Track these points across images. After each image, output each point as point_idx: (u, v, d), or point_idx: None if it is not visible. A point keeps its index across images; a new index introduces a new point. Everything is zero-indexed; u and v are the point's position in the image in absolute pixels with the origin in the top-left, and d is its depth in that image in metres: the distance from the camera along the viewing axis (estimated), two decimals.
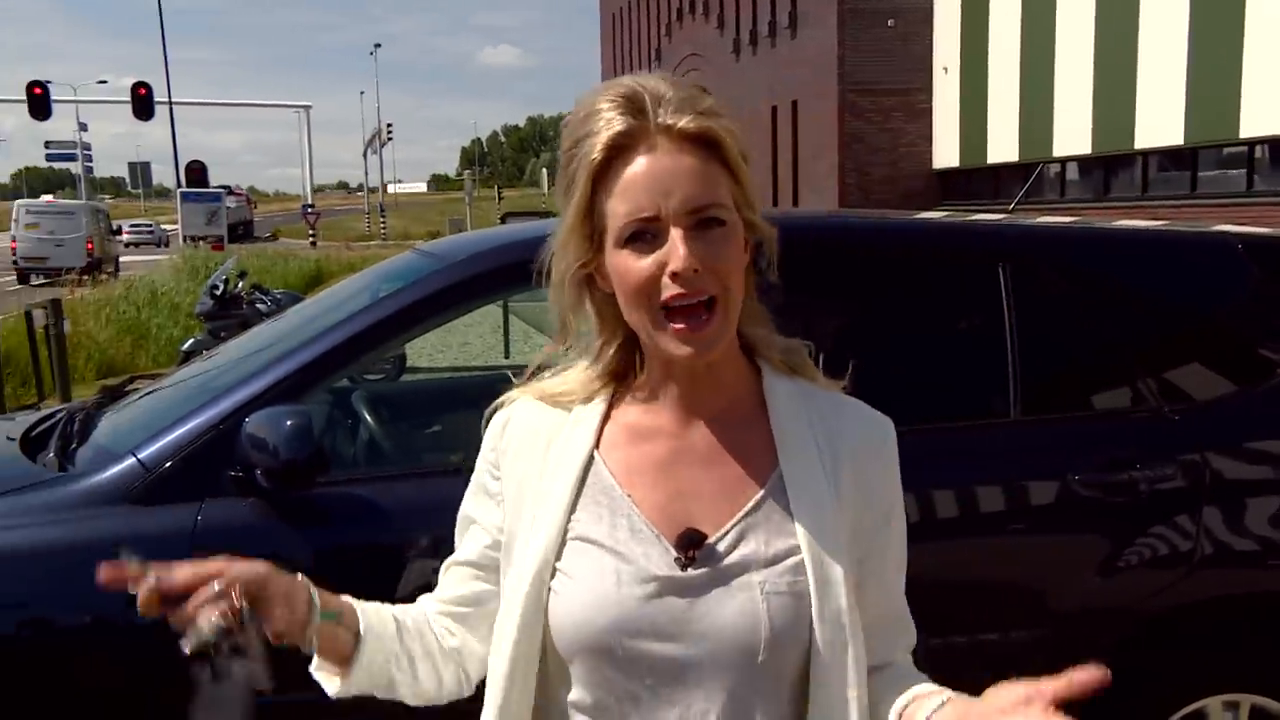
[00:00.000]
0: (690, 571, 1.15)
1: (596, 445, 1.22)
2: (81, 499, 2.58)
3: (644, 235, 1.13)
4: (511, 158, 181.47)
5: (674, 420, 1.22)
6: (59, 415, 3.18)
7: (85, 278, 23.38)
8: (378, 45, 74.55)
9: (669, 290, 1.12)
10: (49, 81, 27.08)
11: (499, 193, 66.68)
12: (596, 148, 1.13)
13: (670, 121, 1.12)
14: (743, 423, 1.22)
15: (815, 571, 1.15)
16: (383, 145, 61.82)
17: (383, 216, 59.42)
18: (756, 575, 1.15)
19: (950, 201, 23.15)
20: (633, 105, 1.13)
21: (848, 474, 1.20)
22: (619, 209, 1.13)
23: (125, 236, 53.47)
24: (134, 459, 2.61)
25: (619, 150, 1.13)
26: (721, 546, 1.16)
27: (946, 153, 24.35)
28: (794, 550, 1.16)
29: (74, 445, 2.88)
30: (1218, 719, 2.89)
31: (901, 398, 2.77)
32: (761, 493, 1.18)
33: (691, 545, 1.15)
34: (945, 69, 24.15)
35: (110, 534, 2.55)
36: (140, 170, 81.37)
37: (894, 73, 24.32)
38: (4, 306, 10.99)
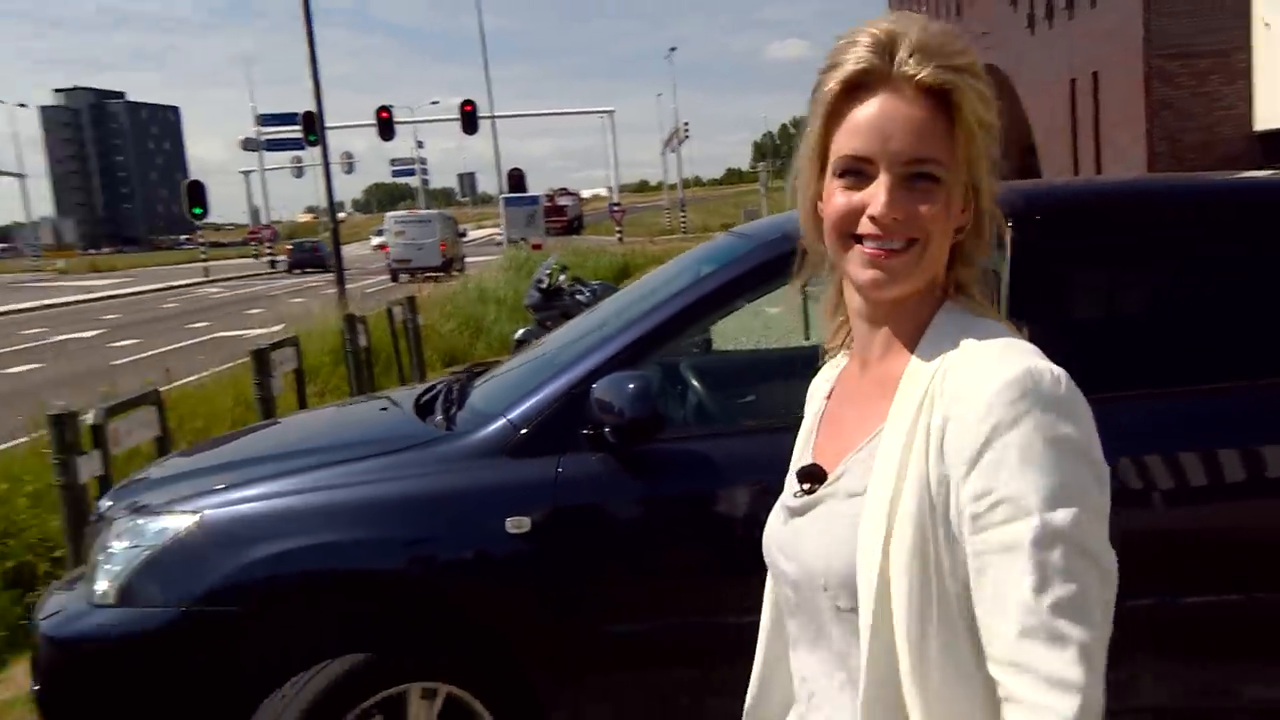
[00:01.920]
0: (798, 500, 1.22)
1: (830, 395, 1.30)
2: (466, 453, 3.01)
3: (857, 172, 1.13)
4: None
5: (859, 359, 1.24)
6: (439, 387, 3.67)
7: (440, 276, 25.65)
8: (673, 49, 76.01)
9: (865, 228, 1.12)
10: (392, 106, 29.72)
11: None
12: (834, 81, 1.13)
13: (911, 71, 1.10)
14: (899, 363, 1.17)
15: (868, 515, 1.11)
16: (680, 144, 63.14)
17: (683, 211, 60.74)
18: (841, 506, 1.15)
19: (1275, 164, 21.14)
20: (882, 47, 1.11)
21: (936, 429, 1.08)
22: (841, 143, 1.13)
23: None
24: (505, 419, 3.01)
25: (856, 88, 1.12)
26: (830, 480, 1.19)
27: (1269, 113, 22.24)
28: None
29: (454, 410, 3.33)
30: None
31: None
32: (874, 433, 1.15)
33: (810, 478, 1.21)
34: (1267, 23, 22.06)
35: (491, 482, 2.97)
36: (467, 180, 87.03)
37: (1208, 32, 22.46)
38: (373, 304, 12.29)
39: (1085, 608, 1.00)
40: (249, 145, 47.91)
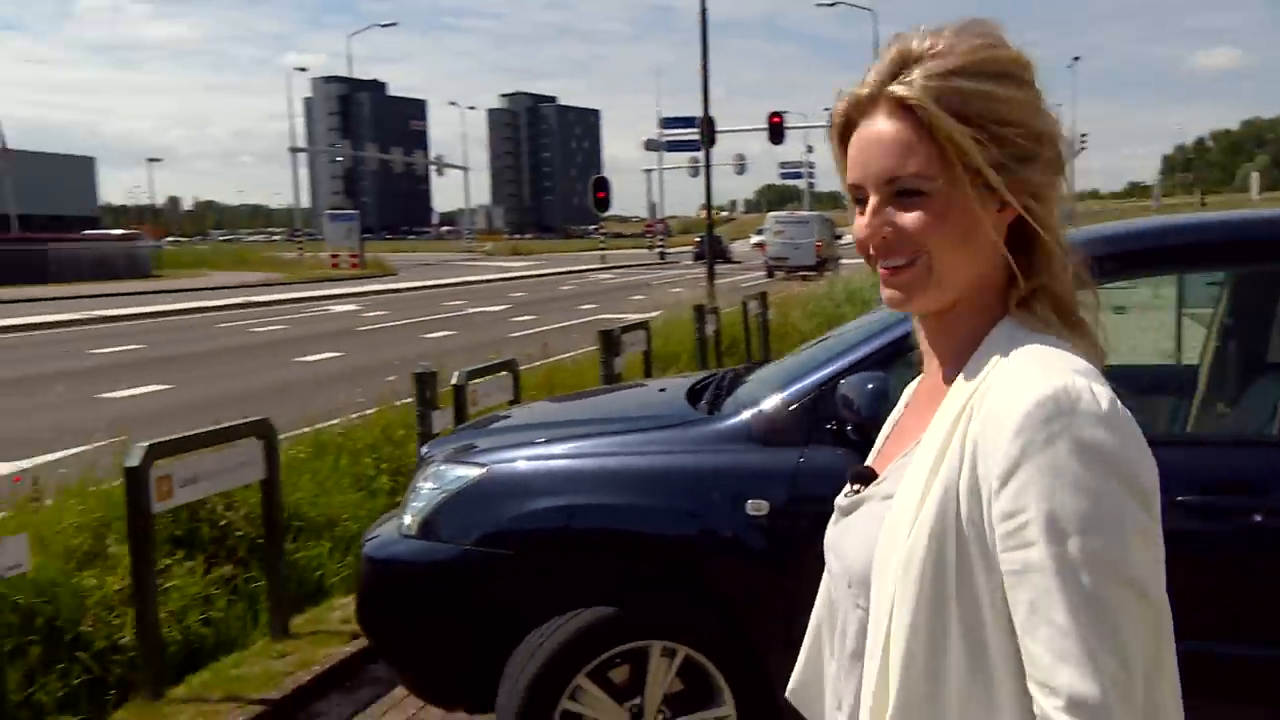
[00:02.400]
0: (847, 500, 1.21)
1: (908, 404, 1.28)
2: (719, 436, 3.14)
3: (860, 200, 1.10)
4: (1219, 162, 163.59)
5: (927, 371, 1.21)
6: (717, 375, 3.82)
7: (812, 275, 26.06)
8: (1076, 58, 71.55)
9: (873, 251, 1.10)
10: (785, 111, 30.22)
11: (1202, 198, 60.48)
12: (835, 113, 1.11)
13: (892, 88, 1.06)
14: (950, 376, 1.13)
15: (890, 519, 1.09)
16: (1074, 155, 59.22)
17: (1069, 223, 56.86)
18: (877, 509, 1.13)
19: None
20: (882, 68, 1.08)
21: (970, 442, 1.03)
22: (846, 175, 1.12)
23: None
24: (758, 408, 3.11)
25: (853, 117, 1.10)
26: (875, 483, 1.17)
27: None
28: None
29: (723, 397, 3.46)
30: None
31: None
32: (916, 442, 1.11)
33: (859, 479, 1.20)
34: None
35: (739, 465, 3.07)
36: None
37: None
38: (740, 297, 12.73)
39: (1119, 635, 0.94)
40: (651, 146, 50.48)
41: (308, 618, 4.98)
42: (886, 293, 1.11)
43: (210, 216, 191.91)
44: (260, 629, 4.87)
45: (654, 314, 13.73)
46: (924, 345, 1.19)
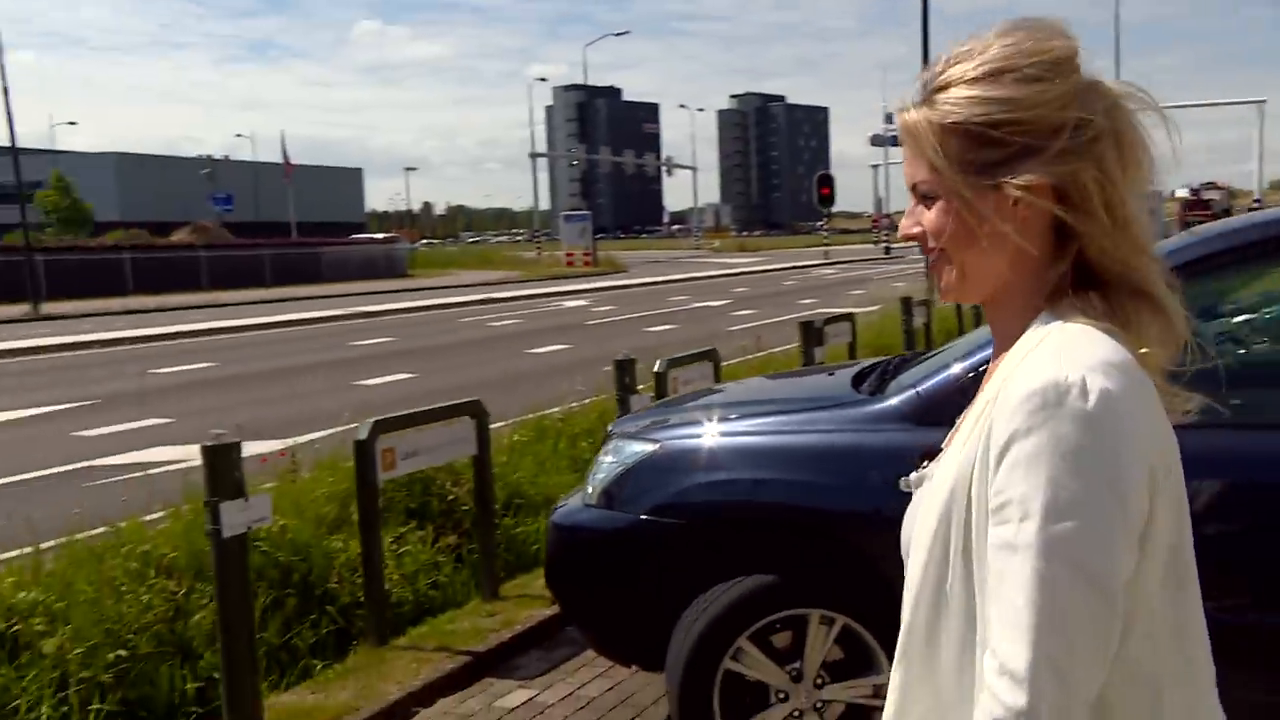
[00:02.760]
0: (915, 476, 1.26)
1: None
2: (876, 416, 3.21)
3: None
4: None
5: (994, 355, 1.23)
6: (884, 361, 3.86)
7: None
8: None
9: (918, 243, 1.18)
10: None
11: None
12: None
13: (899, 113, 1.17)
14: (996, 364, 1.17)
15: (925, 497, 1.16)
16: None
17: None
18: (928, 486, 1.18)
19: None
20: (912, 92, 1.17)
21: (988, 426, 1.06)
22: None
23: None
24: (914, 390, 3.15)
25: None
26: (935, 461, 1.21)
27: None
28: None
29: (887, 380, 3.52)
30: None
31: None
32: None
33: (927, 458, 1.24)
34: None
35: (892, 443, 3.13)
36: None
37: None
38: None
39: (1064, 620, 0.98)
40: (876, 141, 49.55)
41: (517, 583, 5.34)
42: (934, 282, 1.20)
43: (460, 220, 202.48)
44: (476, 592, 5.27)
45: (871, 308, 13.60)
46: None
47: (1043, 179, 1.08)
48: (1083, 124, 1.08)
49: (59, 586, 4.34)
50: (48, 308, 27.78)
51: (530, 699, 4.12)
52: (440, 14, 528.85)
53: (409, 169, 77.66)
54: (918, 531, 1.15)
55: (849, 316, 9.04)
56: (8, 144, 28.71)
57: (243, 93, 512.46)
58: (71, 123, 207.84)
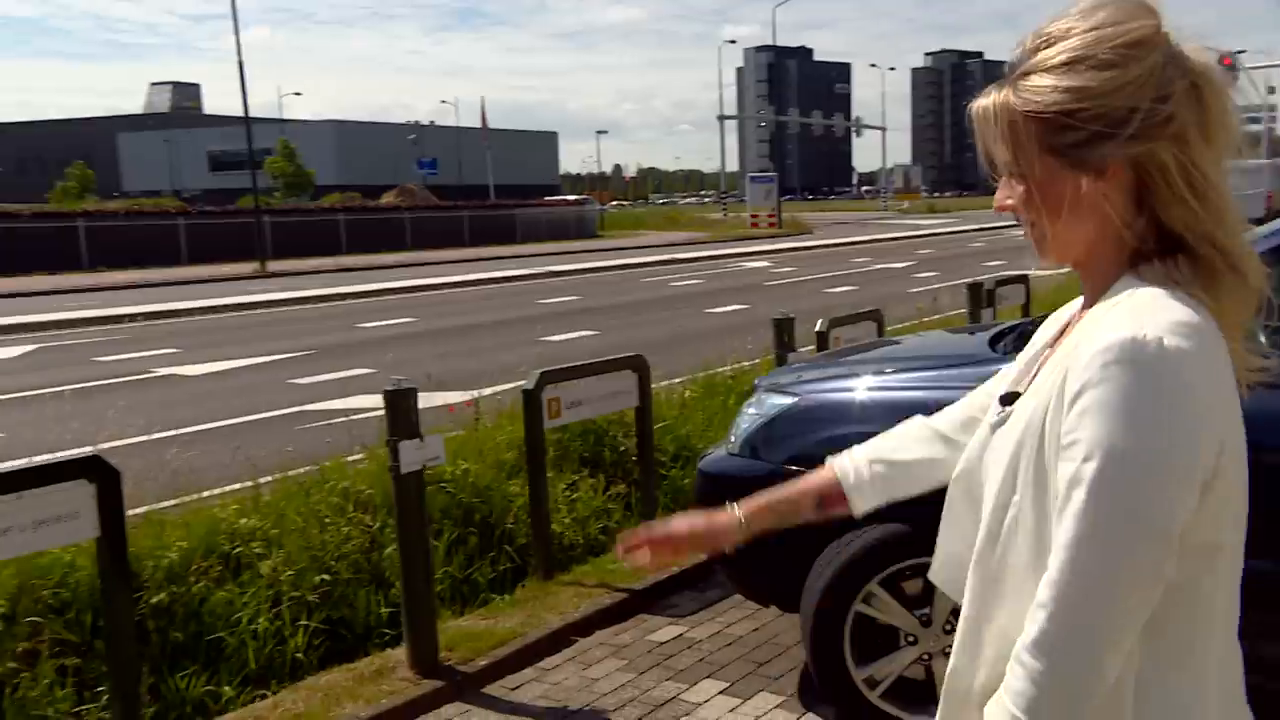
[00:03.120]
0: (996, 417, 1.31)
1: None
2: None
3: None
4: None
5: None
6: (1024, 321, 3.83)
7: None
8: None
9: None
10: (1241, 51, 26.88)
11: None
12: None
13: (978, 102, 1.24)
14: (1080, 317, 1.25)
15: (1002, 433, 1.25)
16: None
17: None
18: (1003, 431, 1.26)
19: None
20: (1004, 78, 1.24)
21: (1064, 374, 1.14)
22: None
23: None
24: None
25: None
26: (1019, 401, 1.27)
27: None
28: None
29: (1024, 340, 3.50)
30: None
31: None
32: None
33: (1005, 402, 1.30)
34: None
35: None
36: None
37: None
38: None
39: (1113, 559, 1.06)
40: None
41: None
42: (1034, 250, 1.28)
43: (650, 182, 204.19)
44: None
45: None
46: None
47: (1117, 160, 1.15)
48: (1160, 102, 1.12)
49: (274, 516, 4.82)
50: (273, 265, 29.90)
51: (680, 634, 4.33)
52: None
53: (600, 132, 79.19)
54: (993, 462, 1.25)
55: (1023, 278, 8.76)
56: (242, 115, 30.90)
57: (449, 60, 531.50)
58: (297, 93, 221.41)
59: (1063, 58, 1.16)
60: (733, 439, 3.81)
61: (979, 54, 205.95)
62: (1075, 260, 1.24)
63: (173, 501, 5.04)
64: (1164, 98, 1.13)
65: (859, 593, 3.30)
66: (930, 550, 3.29)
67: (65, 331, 17.09)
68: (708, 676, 3.92)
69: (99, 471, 3.29)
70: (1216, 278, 1.15)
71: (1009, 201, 1.24)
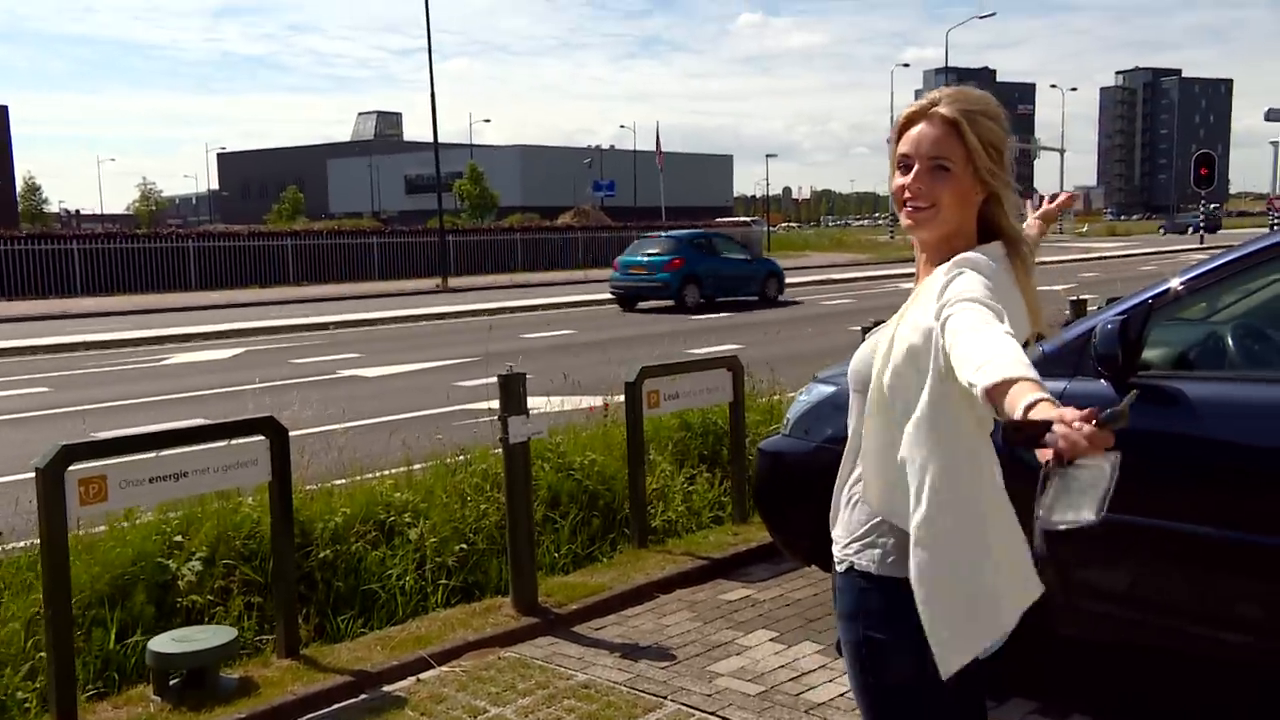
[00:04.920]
0: (870, 336, 1.98)
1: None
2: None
3: (904, 164, 1.88)
4: None
5: (919, 268, 1.95)
6: None
7: None
8: None
9: (907, 196, 1.87)
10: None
11: None
12: (900, 117, 1.92)
13: (939, 110, 1.85)
14: (936, 265, 1.86)
15: (880, 341, 1.89)
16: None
17: None
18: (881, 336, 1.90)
19: None
20: (932, 100, 1.87)
21: (932, 290, 1.77)
22: (900, 149, 1.89)
23: None
24: (1061, 342, 3.54)
25: (910, 122, 1.89)
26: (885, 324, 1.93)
27: None
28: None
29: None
30: None
31: None
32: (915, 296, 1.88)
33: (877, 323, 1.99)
34: None
35: None
36: None
37: None
38: None
39: (984, 317, 1.64)
40: (1270, 116, 44.06)
41: None
42: (907, 223, 1.90)
43: (824, 204, 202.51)
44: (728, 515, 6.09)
45: None
46: (919, 254, 1.95)
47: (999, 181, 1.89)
48: (1011, 159, 1.90)
49: (423, 491, 5.59)
50: (454, 281, 31.82)
51: (747, 595, 4.89)
52: (821, 3, 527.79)
53: (769, 155, 79.80)
54: (892, 344, 1.84)
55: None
56: (431, 141, 33.03)
57: (631, 86, 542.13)
58: (486, 120, 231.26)
59: (989, 112, 1.90)
60: (787, 421, 4.36)
61: (1176, 71, 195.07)
62: (945, 234, 1.87)
63: (341, 480, 5.87)
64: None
65: None
66: None
67: (269, 337, 18.99)
68: (762, 627, 4.47)
69: (273, 429, 4.15)
70: (1011, 252, 1.88)
71: (921, 188, 1.85)
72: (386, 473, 5.98)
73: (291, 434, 4.28)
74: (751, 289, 23.96)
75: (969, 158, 1.83)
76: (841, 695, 3.73)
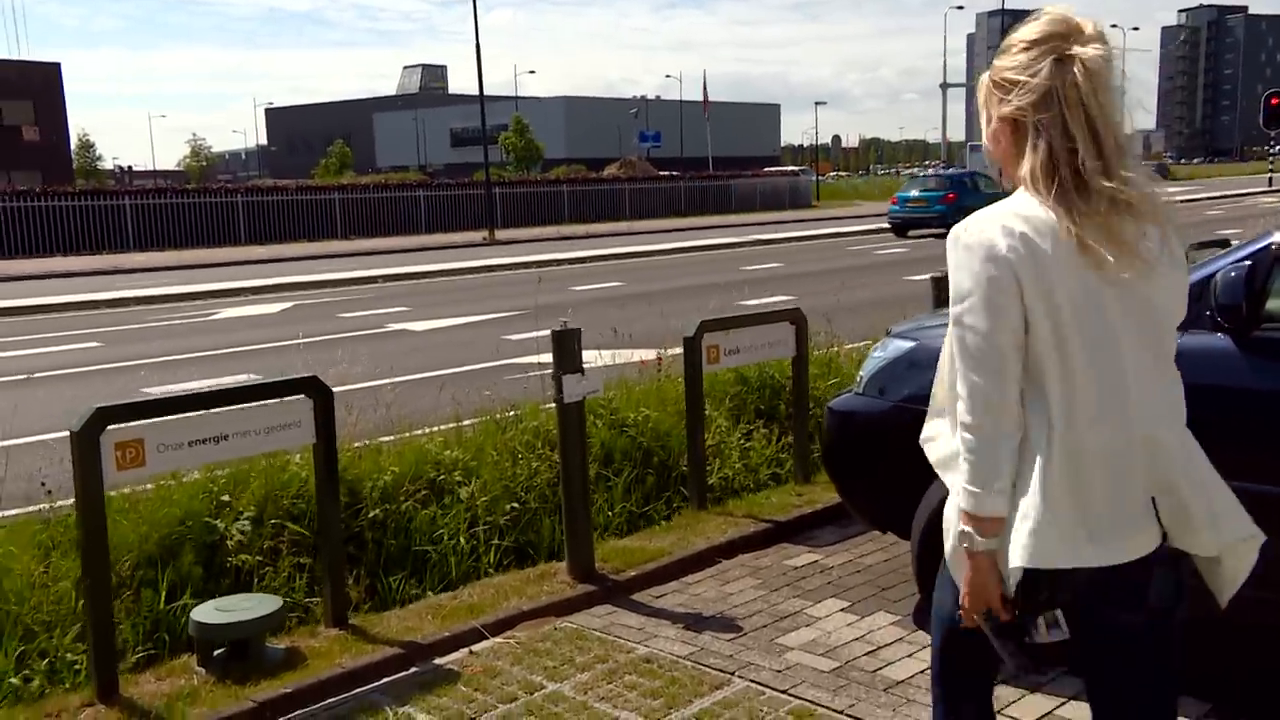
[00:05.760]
0: None
1: None
2: None
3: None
4: None
5: None
6: None
7: None
8: None
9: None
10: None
11: None
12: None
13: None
14: None
15: None
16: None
17: None
18: None
19: None
20: None
21: None
22: None
23: None
24: None
25: None
26: None
27: None
28: None
29: None
30: None
31: None
32: None
33: None
34: None
35: None
36: None
37: None
38: None
39: (967, 351, 1.78)
40: None
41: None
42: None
43: (872, 152, 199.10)
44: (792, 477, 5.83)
45: None
46: None
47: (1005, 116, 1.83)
48: (1031, 76, 1.76)
49: (473, 449, 5.40)
50: (500, 234, 31.61)
51: (814, 561, 4.64)
52: None
53: (819, 103, 77.91)
54: None
55: (1224, 242, 8.33)
56: (475, 94, 32.68)
57: (675, 35, 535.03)
58: (531, 71, 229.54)
59: (1003, 45, 1.85)
60: (860, 378, 4.07)
61: (1242, 8, 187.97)
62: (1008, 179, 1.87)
63: (389, 437, 5.69)
64: (1035, 74, 1.75)
65: None
66: None
67: (317, 291, 18.93)
68: (832, 596, 4.22)
69: (316, 389, 3.95)
70: (1051, 194, 1.75)
71: (986, 147, 1.91)
72: (435, 429, 5.82)
73: (339, 390, 4.09)
74: None
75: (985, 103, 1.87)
76: (921, 672, 3.47)
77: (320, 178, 58.55)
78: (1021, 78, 1.75)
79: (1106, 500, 1.74)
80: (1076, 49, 1.72)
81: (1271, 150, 45.96)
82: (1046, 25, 1.76)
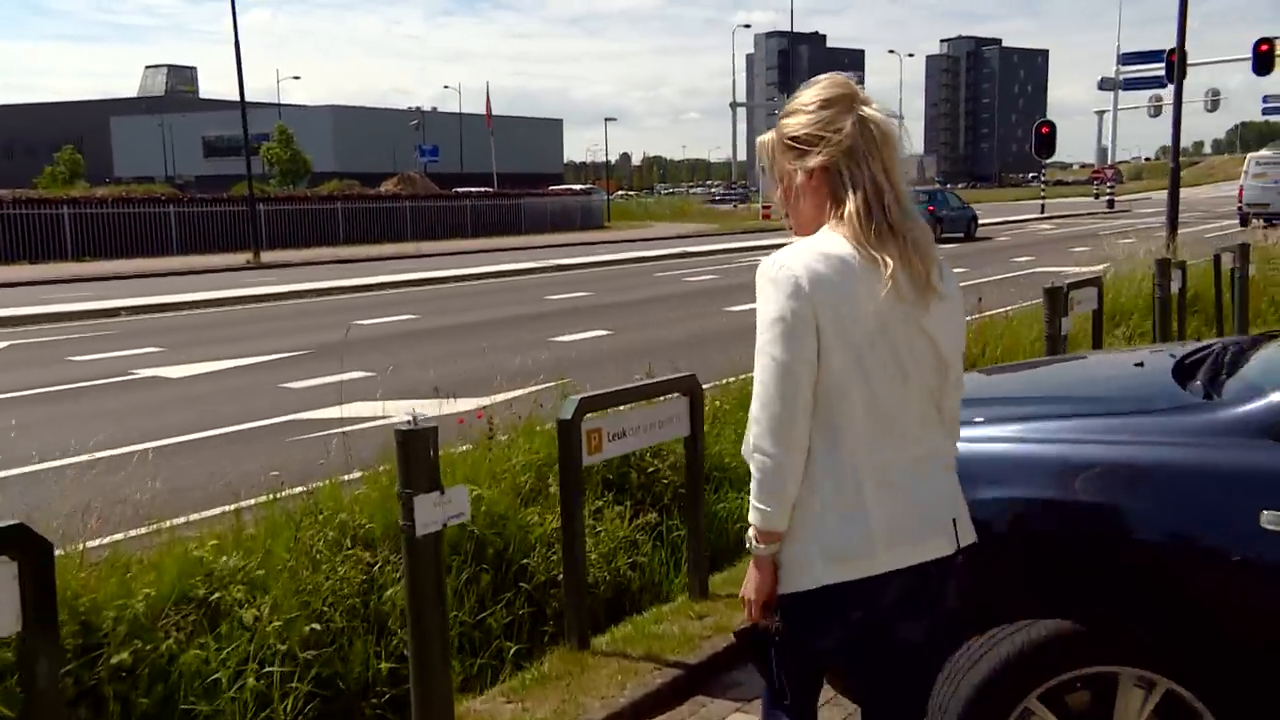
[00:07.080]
0: None
1: None
2: (1223, 427, 2.48)
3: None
4: None
5: None
6: (1213, 349, 3.08)
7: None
8: None
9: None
10: (1277, 38, 25.96)
11: None
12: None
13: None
14: None
15: None
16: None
17: None
18: None
19: None
20: None
21: None
22: None
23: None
24: (1275, 396, 2.41)
25: None
26: None
27: None
28: None
29: (1223, 377, 2.77)
30: None
31: None
32: None
33: None
34: None
35: (1248, 465, 2.40)
36: None
37: None
38: (1208, 250, 11.29)
39: (766, 382, 1.97)
40: (1104, 85, 46.10)
41: (725, 576, 4.84)
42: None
43: (654, 171, 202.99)
44: (680, 579, 4.81)
45: (1099, 267, 12.40)
46: None
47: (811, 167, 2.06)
48: (835, 132, 2.01)
49: (259, 553, 4.14)
50: (267, 256, 29.18)
51: None
52: None
53: (608, 119, 77.28)
54: None
55: (1096, 281, 8.02)
56: (238, 99, 30.18)
57: (450, 45, 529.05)
58: (295, 77, 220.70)
59: (789, 108, 2.09)
60: None
61: (997, 40, 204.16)
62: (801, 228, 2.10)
63: (145, 529, 4.33)
64: (838, 129, 1.99)
65: (1014, 710, 2.58)
66: (1112, 655, 2.55)
67: (41, 327, 16.38)
68: None
69: (24, 546, 2.55)
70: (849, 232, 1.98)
71: (774, 200, 2.18)
72: (206, 514, 4.79)
73: (75, 460, 2.74)
74: (959, 228, 33.20)
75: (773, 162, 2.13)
76: None
77: (45, 188, 53.16)
78: (826, 133, 1.97)
79: (889, 514, 1.96)
80: (864, 110, 1.97)
81: (1032, 178, 49.64)
82: (833, 88, 2.01)
